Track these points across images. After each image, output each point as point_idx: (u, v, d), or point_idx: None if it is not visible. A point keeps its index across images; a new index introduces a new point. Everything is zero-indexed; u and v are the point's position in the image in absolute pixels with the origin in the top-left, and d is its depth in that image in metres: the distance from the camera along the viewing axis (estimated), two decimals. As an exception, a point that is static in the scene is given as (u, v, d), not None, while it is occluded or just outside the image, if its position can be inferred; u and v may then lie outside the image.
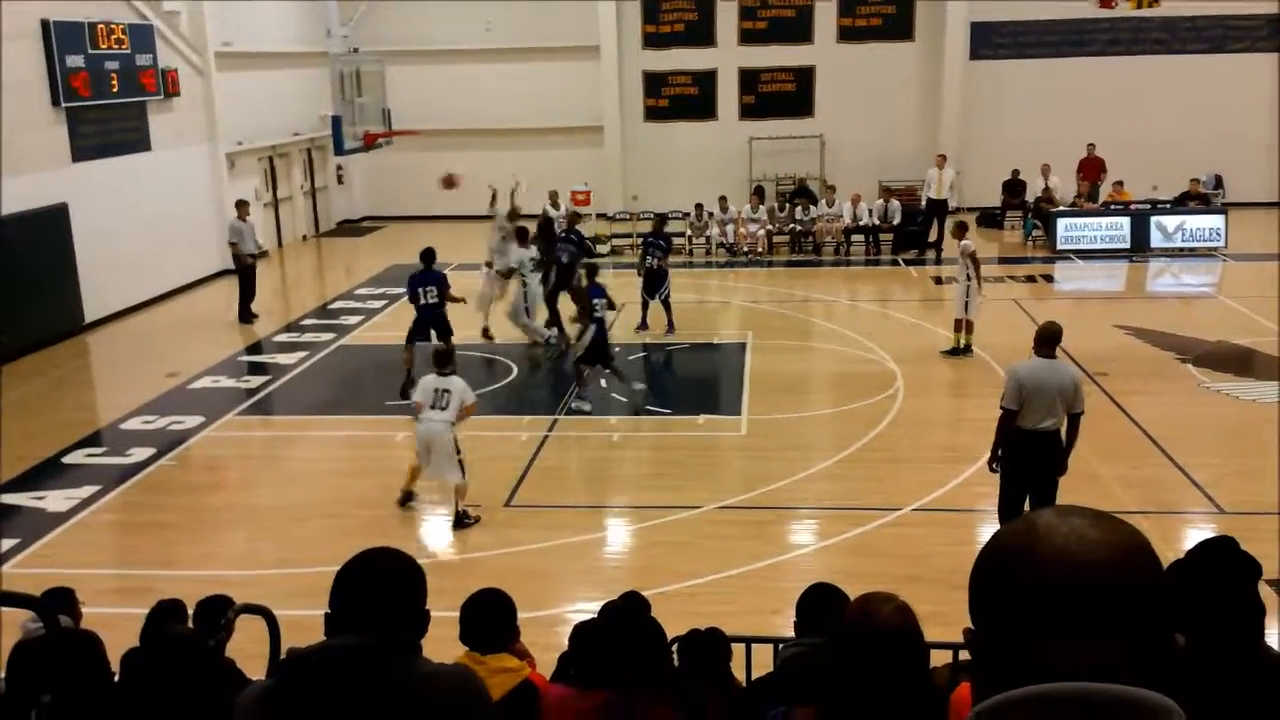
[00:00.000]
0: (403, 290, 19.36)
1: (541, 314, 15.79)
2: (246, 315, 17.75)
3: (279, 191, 24.37)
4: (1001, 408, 8.15)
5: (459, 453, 10.00)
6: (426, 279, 13.63)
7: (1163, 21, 25.55)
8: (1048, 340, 8.29)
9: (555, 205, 20.73)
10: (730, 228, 22.11)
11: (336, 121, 18.74)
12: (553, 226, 16.30)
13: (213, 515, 10.49)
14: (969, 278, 14.53)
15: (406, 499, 10.48)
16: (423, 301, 13.56)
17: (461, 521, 10.04)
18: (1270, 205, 25.39)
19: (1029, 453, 8.11)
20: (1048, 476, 8.14)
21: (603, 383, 13.85)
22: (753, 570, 8.90)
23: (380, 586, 2.35)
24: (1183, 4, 25.24)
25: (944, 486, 10.38)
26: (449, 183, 15.34)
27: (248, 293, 17.89)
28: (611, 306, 13.64)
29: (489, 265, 16.29)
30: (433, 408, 10.05)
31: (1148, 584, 1.23)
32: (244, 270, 17.90)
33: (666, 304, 16.36)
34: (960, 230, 15.02)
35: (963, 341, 14.83)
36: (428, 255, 13.80)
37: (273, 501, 10.73)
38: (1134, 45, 25.72)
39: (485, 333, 15.89)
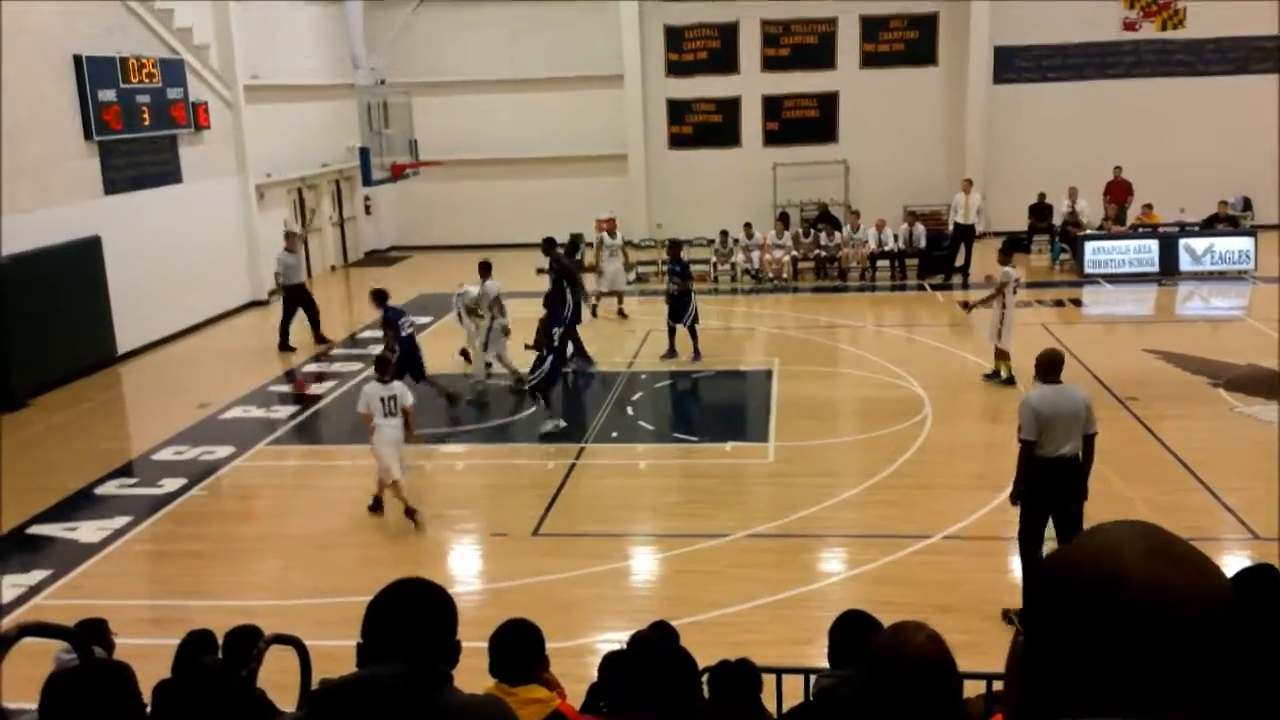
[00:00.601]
0: (430, 320, 19.62)
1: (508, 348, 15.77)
2: (286, 344, 18.03)
3: (308, 222, 24.61)
4: (1021, 440, 8.13)
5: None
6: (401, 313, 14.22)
7: (1187, 44, 25.47)
8: (1053, 367, 8.30)
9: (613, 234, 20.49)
10: (755, 254, 22.14)
11: (364, 153, 18.93)
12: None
13: (244, 545, 10.56)
14: (1003, 305, 14.45)
15: (376, 504, 10.98)
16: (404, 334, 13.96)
17: (410, 513, 10.65)
18: (1300, 226, 25.19)
19: (1051, 480, 8.11)
20: (1071, 502, 8.14)
21: (552, 424, 13.84)
22: (782, 599, 8.85)
23: (411, 617, 2.36)
24: (1206, 26, 25.16)
25: (975, 514, 10.31)
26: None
27: (289, 320, 18.13)
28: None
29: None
30: (386, 415, 10.67)
31: (1224, 642, 1.22)
32: (291, 299, 18.06)
33: (693, 330, 16.35)
34: (1005, 255, 14.88)
35: (1003, 371, 14.67)
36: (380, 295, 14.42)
37: (303, 531, 10.78)
38: (1159, 67, 25.63)
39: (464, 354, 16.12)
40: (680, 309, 16.34)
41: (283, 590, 9.41)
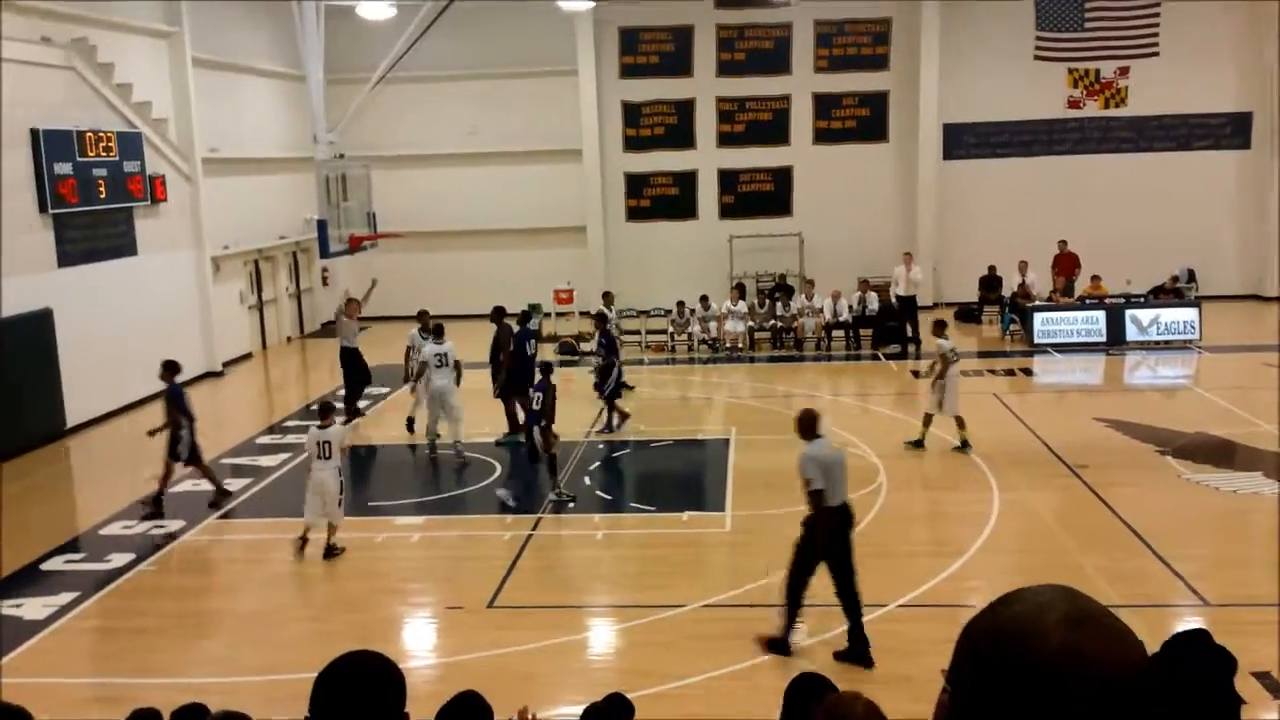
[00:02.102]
0: (387, 389, 19.55)
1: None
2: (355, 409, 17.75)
3: (264, 293, 24.55)
4: (811, 491, 8.74)
5: (341, 493, 11.79)
6: None
7: (1130, 121, 26.28)
8: (813, 424, 9.09)
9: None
10: (712, 324, 22.33)
11: (322, 225, 18.95)
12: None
13: (192, 620, 10.37)
14: (940, 376, 14.67)
15: (302, 545, 11.64)
16: None
17: (331, 552, 11.57)
18: (1242, 298, 25.86)
19: (837, 527, 8.84)
20: (847, 549, 8.86)
21: (552, 494, 13.82)
22: (740, 669, 8.81)
23: (360, 691, 2.36)
24: (1148, 104, 25.99)
25: (930, 581, 10.35)
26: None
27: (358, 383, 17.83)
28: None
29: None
30: (320, 458, 11.62)
31: (1139, 697, 1.30)
32: (350, 363, 17.75)
33: (610, 402, 16.41)
34: (938, 328, 15.21)
35: (958, 438, 14.82)
36: None
37: (254, 606, 10.61)
38: (1103, 144, 26.41)
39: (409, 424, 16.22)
40: (601, 380, 16.42)
41: (231, 667, 9.23)
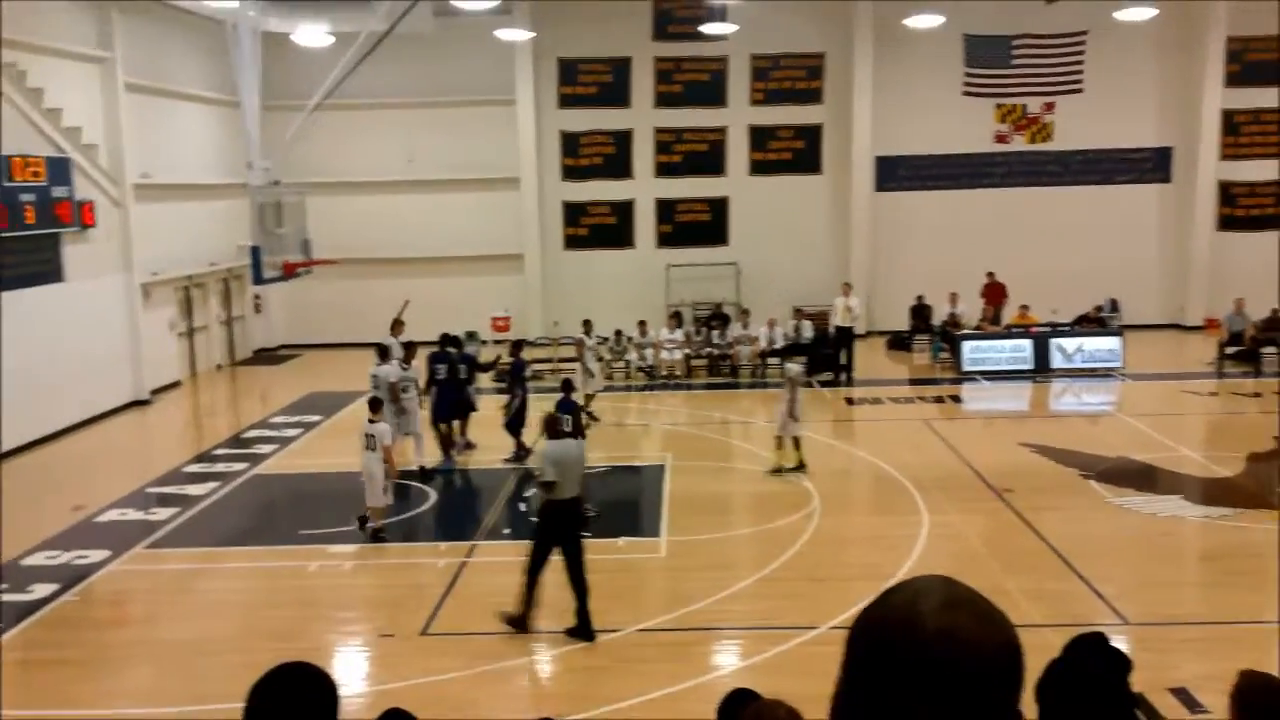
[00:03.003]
0: (320, 417, 19.38)
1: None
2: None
3: (194, 321, 24.21)
4: (543, 482, 10.05)
5: (386, 478, 12.70)
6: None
7: (1056, 155, 27.00)
8: (555, 425, 10.61)
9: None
10: (649, 351, 22.45)
11: (256, 252, 18.78)
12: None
13: (118, 652, 10.16)
14: (789, 401, 15.00)
15: (363, 522, 12.78)
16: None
17: (376, 535, 12.64)
18: (1163, 327, 26.60)
19: (564, 518, 10.01)
20: (577, 537, 10.14)
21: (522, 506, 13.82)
22: (675, 693, 8.84)
23: (293, 700, 2.38)
24: (1073, 139, 26.73)
25: (861, 603, 10.39)
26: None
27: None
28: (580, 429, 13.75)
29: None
30: (366, 449, 12.73)
31: (1006, 683, 1.39)
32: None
33: (510, 429, 16.34)
34: (788, 355, 15.75)
35: (784, 461, 15.15)
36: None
37: (181, 636, 10.43)
38: (1030, 177, 27.09)
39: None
40: (509, 409, 16.43)
41: (158, 698, 9.07)
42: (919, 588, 1.45)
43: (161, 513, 14.39)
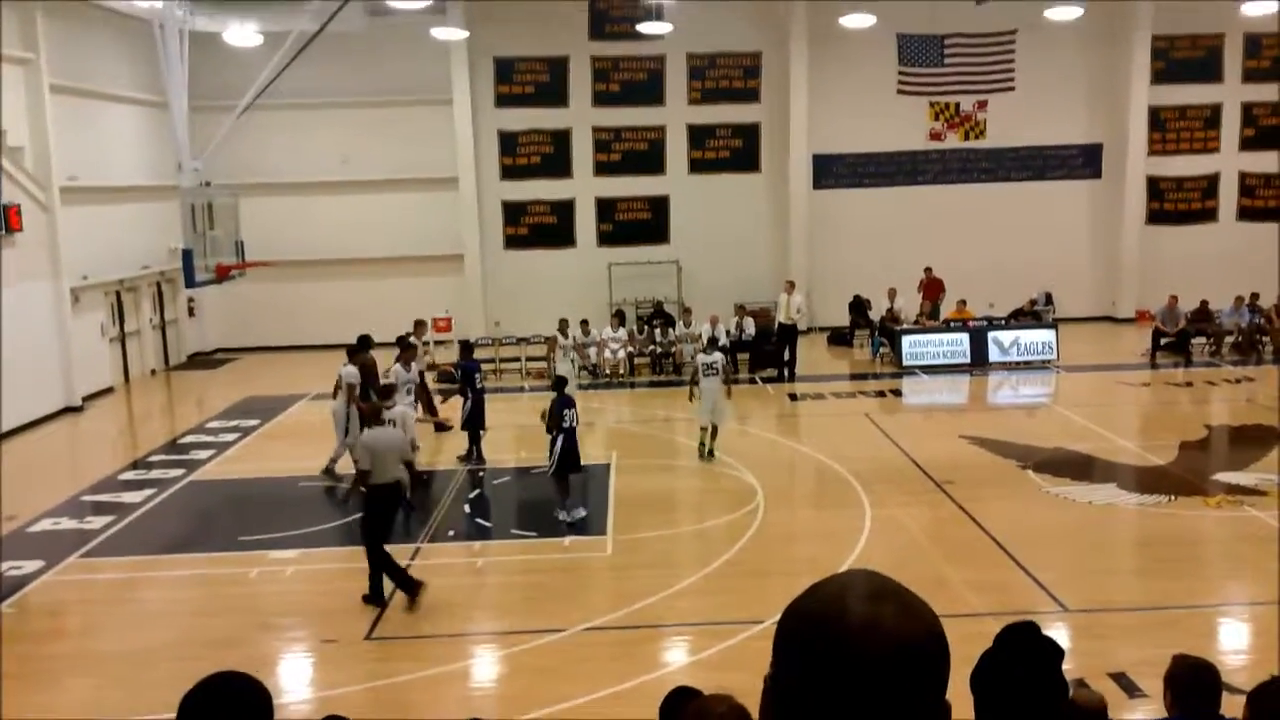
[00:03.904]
0: (257, 421, 19.10)
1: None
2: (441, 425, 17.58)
3: (127, 325, 23.73)
4: (359, 470, 10.81)
5: (416, 448, 13.49)
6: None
7: (989, 152, 27.42)
8: (375, 415, 11.69)
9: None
10: (592, 350, 22.42)
11: (187, 255, 18.48)
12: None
13: (53, 664, 9.91)
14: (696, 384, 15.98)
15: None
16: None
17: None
18: (1096, 319, 27.15)
19: (385, 499, 10.74)
20: (389, 519, 10.93)
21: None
22: (621, 691, 8.83)
23: (224, 711, 2.34)
24: (1005, 136, 27.17)
25: (806, 597, 10.53)
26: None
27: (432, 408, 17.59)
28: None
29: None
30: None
31: (930, 672, 1.42)
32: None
33: (465, 428, 16.24)
34: (711, 344, 16.89)
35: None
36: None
37: (119, 646, 10.21)
38: (964, 174, 27.48)
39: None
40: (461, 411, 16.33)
41: (97, 709, 8.87)
42: (844, 581, 1.48)
43: (96, 521, 14.07)
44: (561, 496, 13.44)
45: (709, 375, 15.94)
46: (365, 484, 10.71)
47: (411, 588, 10.74)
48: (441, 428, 17.50)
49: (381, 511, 10.79)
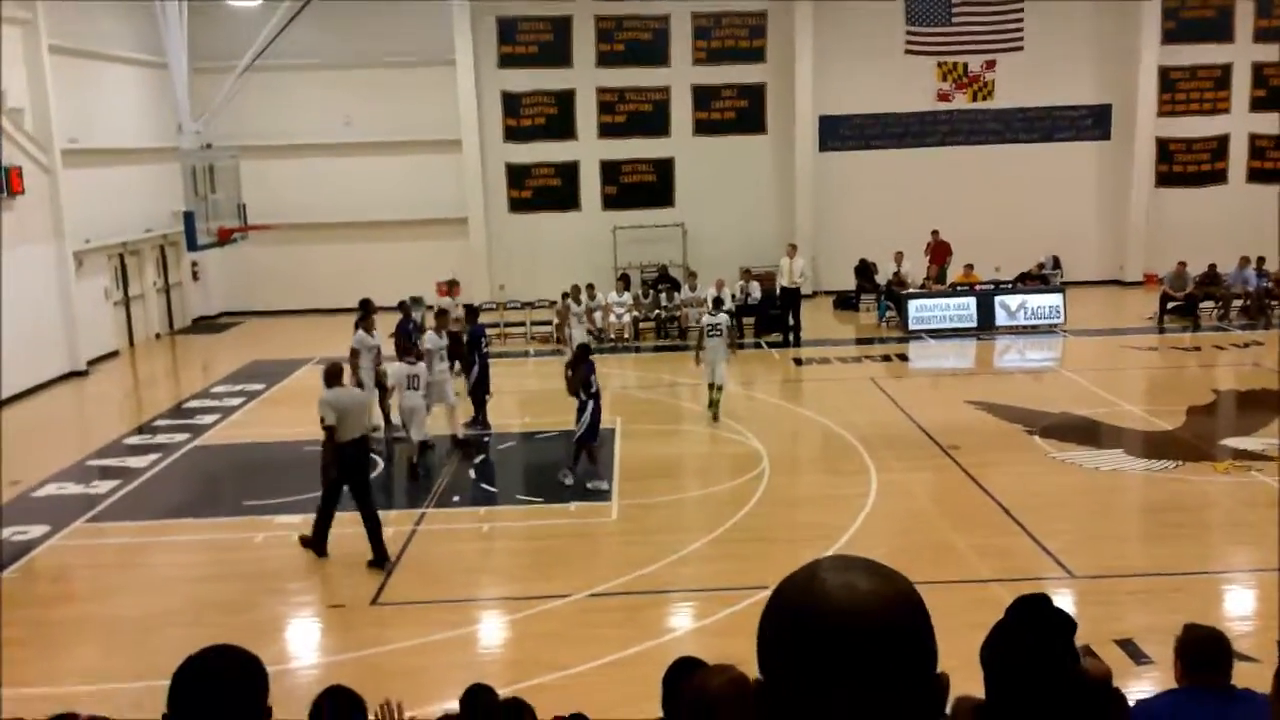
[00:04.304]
0: (263, 385, 19.08)
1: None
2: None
3: (130, 289, 23.67)
4: (326, 427, 10.75)
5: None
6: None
7: (997, 114, 27.14)
8: (336, 375, 11.23)
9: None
10: (598, 315, 22.33)
11: (189, 217, 18.35)
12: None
13: (61, 629, 9.94)
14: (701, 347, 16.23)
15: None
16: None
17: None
18: (1104, 283, 26.99)
19: (349, 458, 10.89)
20: (364, 476, 11.20)
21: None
22: (626, 657, 8.85)
23: (218, 686, 2.29)
24: (1014, 97, 26.88)
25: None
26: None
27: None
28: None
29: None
30: (408, 389, 13.85)
31: (912, 631, 1.40)
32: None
33: (472, 396, 16.16)
34: (716, 305, 17.39)
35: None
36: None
37: (126, 612, 10.24)
38: (972, 136, 27.21)
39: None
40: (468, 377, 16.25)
41: (106, 675, 8.90)
42: (808, 567, 1.48)
43: (102, 486, 14.10)
44: (573, 461, 13.41)
45: (713, 336, 16.13)
46: (330, 439, 10.84)
47: (319, 548, 11.19)
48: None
49: (350, 467, 10.96)
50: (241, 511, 12.84)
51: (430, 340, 15.26)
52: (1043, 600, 2.46)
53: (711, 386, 16.12)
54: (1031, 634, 2.40)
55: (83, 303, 20.81)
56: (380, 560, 10.93)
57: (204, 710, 2.24)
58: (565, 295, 21.76)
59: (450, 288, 18.81)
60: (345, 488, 11.08)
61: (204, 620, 9.93)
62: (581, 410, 13.38)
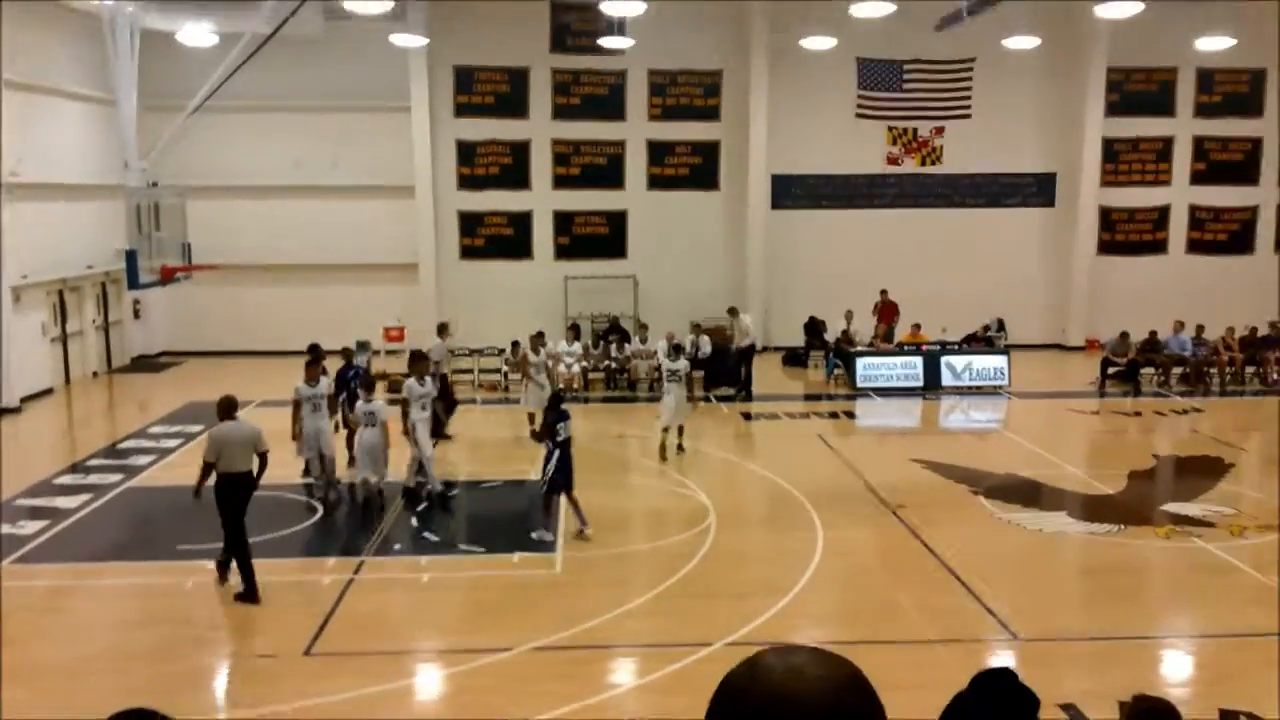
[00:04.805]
0: (201, 426, 18.64)
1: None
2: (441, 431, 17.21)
3: (69, 326, 23.17)
4: (205, 460, 11.14)
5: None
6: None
7: (945, 178, 27.64)
8: (229, 408, 11.43)
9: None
10: (548, 364, 22.13)
11: (131, 255, 18.03)
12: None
13: (-24, 675, 9.53)
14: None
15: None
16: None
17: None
18: (1047, 347, 27.40)
19: (234, 489, 11.11)
20: (239, 509, 11.16)
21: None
22: (567, 713, 8.64)
23: None
24: (961, 162, 27.39)
25: (756, 619, 10.43)
26: None
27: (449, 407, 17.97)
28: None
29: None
30: (366, 426, 13.87)
31: (860, 715, 1.39)
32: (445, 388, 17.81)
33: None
34: (675, 351, 17.87)
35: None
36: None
37: (51, 657, 9.84)
38: (920, 199, 27.67)
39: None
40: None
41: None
42: (750, 659, 1.47)
43: (29, 526, 13.64)
44: (546, 516, 13.11)
45: (673, 381, 16.88)
46: (206, 474, 11.09)
47: (222, 576, 11.41)
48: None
49: (229, 499, 11.13)
50: (174, 556, 12.47)
51: (409, 389, 14.89)
52: (1006, 675, 2.38)
53: (665, 430, 16.71)
54: (995, 710, 2.31)
55: (18, 338, 20.34)
56: (250, 594, 11.07)
57: None
58: (515, 344, 21.56)
59: (440, 330, 19.05)
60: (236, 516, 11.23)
61: (129, 669, 9.58)
62: (547, 460, 13.07)
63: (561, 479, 13.02)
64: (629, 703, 8.87)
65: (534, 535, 12.97)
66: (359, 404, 14.52)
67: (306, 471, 15.05)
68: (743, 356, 22.30)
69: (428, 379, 15.31)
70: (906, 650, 9.72)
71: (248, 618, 10.98)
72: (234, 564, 11.33)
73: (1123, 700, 6.87)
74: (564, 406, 13.53)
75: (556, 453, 12.97)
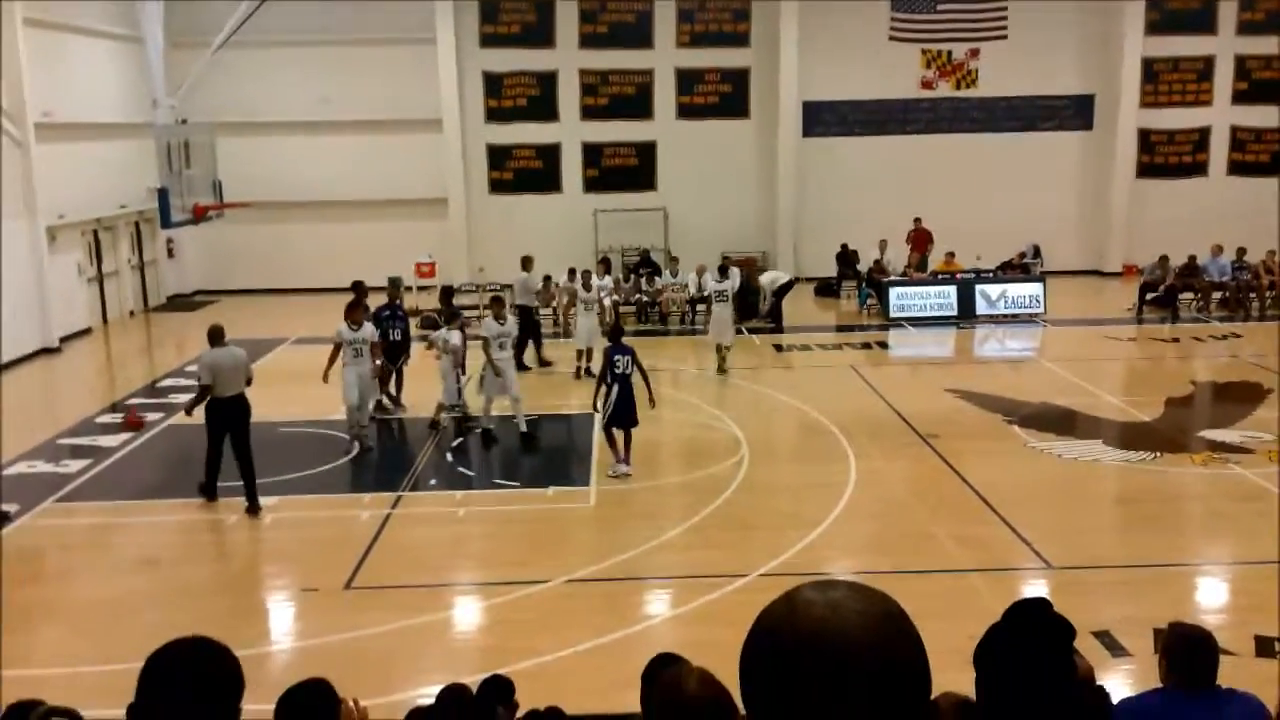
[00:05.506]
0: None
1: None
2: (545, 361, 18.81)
3: (104, 266, 23.37)
4: (201, 385, 11.76)
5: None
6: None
7: (980, 102, 27.10)
8: (217, 335, 11.87)
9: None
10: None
11: (163, 194, 18.10)
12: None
13: (27, 611, 9.77)
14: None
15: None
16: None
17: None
18: (1083, 273, 27.04)
19: (226, 413, 11.71)
20: (242, 431, 11.88)
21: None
22: (603, 644, 8.78)
23: (186, 683, 2.18)
24: (997, 85, 26.84)
25: (789, 551, 10.50)
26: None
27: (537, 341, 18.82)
28: (640, 369, 13.22)
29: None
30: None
31: (899, 650, 1.35)
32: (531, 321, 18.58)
33: (398, 374, 16.15)
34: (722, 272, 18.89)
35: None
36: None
37: (95, 594, 10.09)
38: (955, 124, 27.17)
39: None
40: (395, 355, 16.04)
41: (73, 659, 8.74)
42: (788, 593, 1.43)
43: (73, 465, 13.91)
44: (613, 450, 13.07)
45: (720, 301, 18.13)
46: (202, 397, 11.80)
47: (210, 493, 12.11)
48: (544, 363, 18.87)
49: (220, 421, 11.81)
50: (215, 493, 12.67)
51: (487, 327, 14.84)
52: (1042, 605, 2.37)
53: (719, 347, 17.96)
54: (1031, 641, 2.31)
55: (56, 279, 20.54)
56: (253, 507, 11.82)
57: (172, 708, 2.13)
58: (548, 279, 21.59)
59: (524, 264, 19.07)
60: (228, 437, 11.90)
61: (174, 604, 9.80)
62: (605, 395, 12.95)
63: (621, 413, 12.95)
64: (664, 633, 8.98)
65: (610, 472, 12.95)
66: (441, 332, 14.91)
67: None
68: (777, 296, 22.07)
69: (508, 317, 15.29)
70: (940, 579, 9.76)
71: (288, 552, 11.19)
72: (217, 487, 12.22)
73: (1158, 628, 6.90)
74: (622, 339, 13.47)
75: (616, 387, 12.93)
